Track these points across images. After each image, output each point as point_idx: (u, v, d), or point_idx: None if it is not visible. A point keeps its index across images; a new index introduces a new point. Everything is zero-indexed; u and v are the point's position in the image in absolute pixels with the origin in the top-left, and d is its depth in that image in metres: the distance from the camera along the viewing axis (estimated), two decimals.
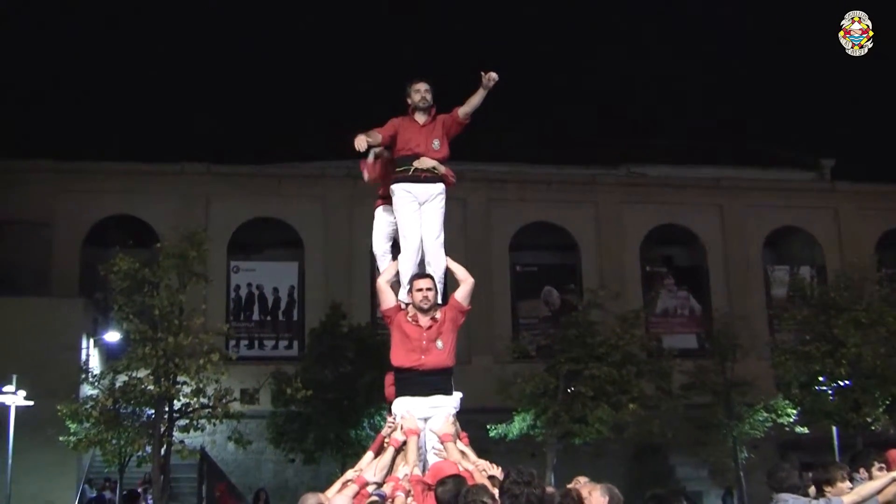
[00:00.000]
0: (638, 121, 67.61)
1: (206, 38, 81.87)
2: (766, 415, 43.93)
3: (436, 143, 12.44)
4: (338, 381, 40.65)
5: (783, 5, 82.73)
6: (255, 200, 53.03)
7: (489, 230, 53.06)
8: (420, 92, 12.49)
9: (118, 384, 35.12)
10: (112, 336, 41.15)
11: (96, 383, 36.24)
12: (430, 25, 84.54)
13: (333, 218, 53.35)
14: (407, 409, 11.57)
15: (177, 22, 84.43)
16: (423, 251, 12.38)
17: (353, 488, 10.59)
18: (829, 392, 41.78)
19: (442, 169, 12.49)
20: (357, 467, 11.34)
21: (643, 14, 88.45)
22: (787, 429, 44.56)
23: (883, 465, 11.65)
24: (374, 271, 43.88)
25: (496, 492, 9.31)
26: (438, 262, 12.31)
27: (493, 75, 12.23)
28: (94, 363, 43.41)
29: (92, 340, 44.91)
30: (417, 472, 10.86)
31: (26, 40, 79.47)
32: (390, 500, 10.10)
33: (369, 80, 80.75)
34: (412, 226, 12.29)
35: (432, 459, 11.31)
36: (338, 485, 10.97)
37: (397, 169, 12.42)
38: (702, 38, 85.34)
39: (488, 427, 40.16)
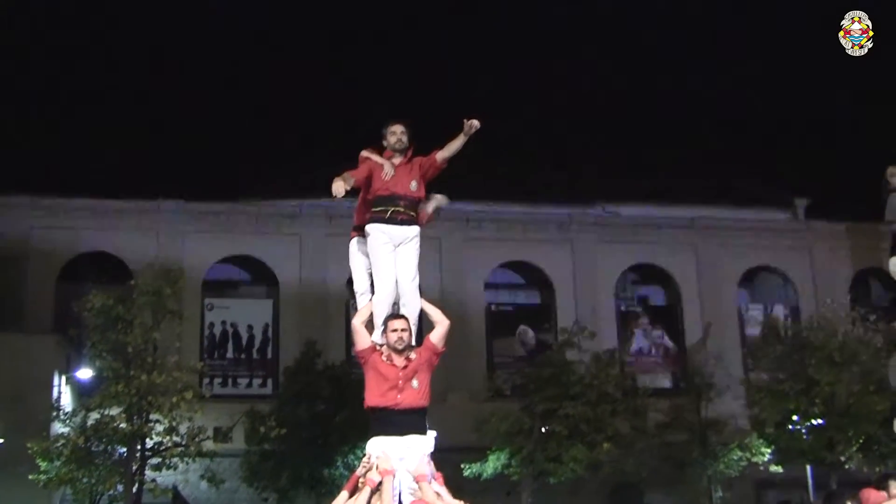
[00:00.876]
0: (613, 160, 67.75)
1: (181, 74, 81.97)
2: (740, 453, 44.07)
3: (413, 185, 12.50)
4: (312, 419, 40.59)
5: (756, 47, 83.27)
6: (230, 238, 52.99)
7: (464, 269, 53.12)
8: (396, 134, 12.56)
9: (90, 422, 34.96)
10: (84, 373, 40.92)
11: (68, 421, 36.08)
12: (407, 62, 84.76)
13: (309, 256, 53.34)
14: (382, 450, 11.57)
15: (153, 57, 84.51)
16: (398, 292, 12.41)
17: None
18: (804, 431, 41.95)
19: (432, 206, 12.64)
20: None
21: (617, 55, 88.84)
22: (762, 467, 44.72)
23: None
24: (349, 310, 43.61)
25: None
26: (413, 304, 12.35)
27: (475, 123, 12.28)
28: (66, 400, 43.18)
29: (64, 377, 44.66)
30: None
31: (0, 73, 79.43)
32: None
33: (346, 121, 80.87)
34: (387, 267, 12.32)
35: (407, 500, 11.31)
36: None
37: (373, 209, 12.45)
38: (682, 77, 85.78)
39: (463, 466, 40.12)
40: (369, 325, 12.22)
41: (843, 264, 58.56)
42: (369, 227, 12.43)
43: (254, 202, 55.26)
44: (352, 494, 11.43)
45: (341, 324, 52.74)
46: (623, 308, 57.93)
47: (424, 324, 12.47)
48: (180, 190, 54.24)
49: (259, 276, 53.99)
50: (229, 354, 52.99)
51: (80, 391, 43.94)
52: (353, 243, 12.99)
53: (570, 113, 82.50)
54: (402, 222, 12.36)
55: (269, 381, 51.96)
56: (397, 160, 12.58)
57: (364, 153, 12.90)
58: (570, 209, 58.42)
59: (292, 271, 53.54)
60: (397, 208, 12.37)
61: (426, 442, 11.78)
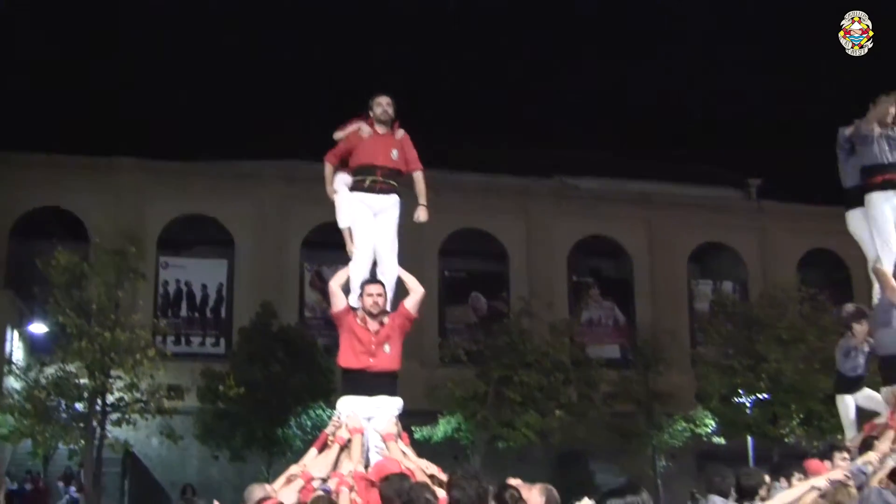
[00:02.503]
0: (572, 133, 68.11)
1: (144, 29, 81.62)
2: (685, 425, 44.68)
3: (394, 154, 12.90)
4: (267, 380, 40.79)
5: (719, 24, 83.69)
6: (187, 197, 52.90)
7: (420, 234, 53.11)
8: (382, 105, 12.94)
9: (44, 377, 35.09)
10: (38, 328, 40.96)
11: (22, 375, 36.18)
12: (370, 34, 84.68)
13: (264, 217, 53.41)
14: (352, 409, 11.96)
15: (116, 10, 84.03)
16: (375, 259, 12.81)
17: (298, 482, 10.91)
18: (748, 404, 42.60)
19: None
20: (301, 463, 11.68)
21: (580, 26, 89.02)
22: (706, 439, 45.32)
23: (802, 476, 12.08)
24: (303, 272, 43.85)
25: (437, 490, 9.70)
26: (391, 271, 12.78)
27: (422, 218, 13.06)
28: (18, 355, 43.21)
29: (17, 332, 44.66)
30: (361, 469, 11.23)
31: None
32: (335, 494, 10.41)
33: (310, 81, 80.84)
34: (366, 234, 12.73)
35: (375, 458, 11.69)
36: (283, 479, 11.30)
37: (354, 178, 12.85)
38: (639, 53, 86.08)
39: (413, 429, 40.50)
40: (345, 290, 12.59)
41: (793, 244, 59.18)
42: (350, 195, 12.84)
43: (211, 162, 55.21)
44: (321, 451, 11.79)
45: (296, 286, 53.08)
46: (575, 279, 58.35)
47: (399, 292, 12.86)
48: (139, 147, 54.17)
49: (215, 236, 53.93)
50: (183, 313, 53.09)
51: (34, 346, 44.01)
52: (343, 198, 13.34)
53: (533, 85, 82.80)
54: (381, 191, 12.79)
55: (223, 341, 52.09)
56: (381, 130, 12.95)
57: (338, 134, 13.32)
58: (526, 179, 58.69)
59: (248, 232, 53.57)
60: (375, 178, 12.77)
61: (395, 403, 12.19)
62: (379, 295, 12.08)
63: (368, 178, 12.76)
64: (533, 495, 10.16)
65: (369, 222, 12.75)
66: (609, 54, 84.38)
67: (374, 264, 12.91)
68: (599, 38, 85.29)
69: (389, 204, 12.88)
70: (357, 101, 13.63)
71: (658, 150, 63.85)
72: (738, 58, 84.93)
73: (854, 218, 14.82)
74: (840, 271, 56.61)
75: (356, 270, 12.67)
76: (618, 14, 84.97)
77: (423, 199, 13.33)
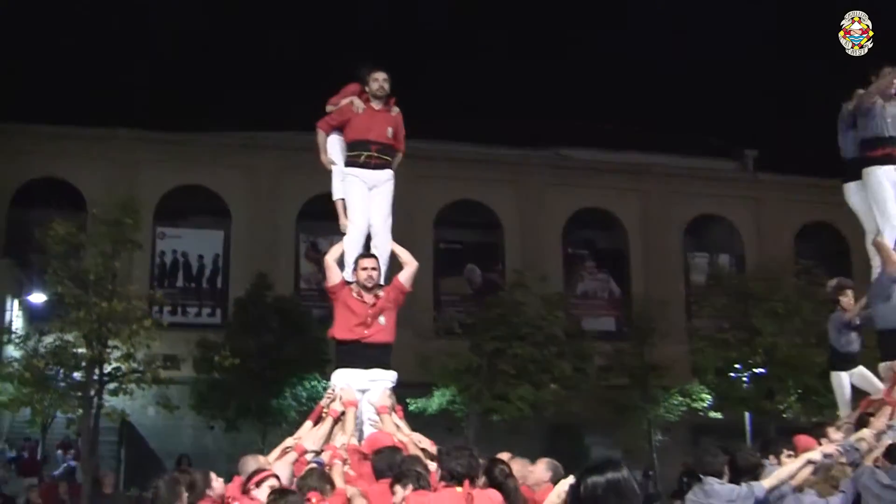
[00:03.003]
0: (567, 103, 68.00)
1: (139, 1, 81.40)
2: (680, 399, 44.77)
3: (389, 132, 13.02)
4: (261, 350, 40.91)
5: None
6: (183, 167, 52.95)
7: (414, 205, 52.93)
8: (378, 81, 13.04)
9: (43, 346, 35.20)
10: (37, 297, 41.07)
11: (21, 344, 36.30)
12: (362, 4, 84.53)
13: (260, 188, 53.48)
14: (346, 381, 12.05)
15: None
16: (369, 232, 12.92)
17: (292, 455, 11.02)
18: (744, 379, 42.67)
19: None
20: (296, 435, 11.79)
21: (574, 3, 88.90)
22: (701, 413, 45.41)
23: (791, 453, 12.12)
24: (299, 243, 43.81)
25: (429, 463, 9.81)
26: (385, 245, 12.91)
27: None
28: (18, 324, 43.34)
29: (16, 301, 44.79)
30: (354, 441, 11.34)
31: None
32: (328, 467, 10.51)
33: (304, 52, 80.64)
34: (361, 209, 12.85)
35: (368, 430, 11.81)
36: (277, 451, 11.41)
37: (349, 153, 12.94)
38: (636, 24, 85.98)
39: (407, 401, 40.56)
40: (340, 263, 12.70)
41: (790, 217, 59.14)
42: (346, 170, 12.92)
43: (208, 132, 55.21)
44: (315, 424, 11.89)
45: (291, 256, 53.14)
46: (570, 251, 58.38)
47: (393, 266, 12.96)
48: (136, 118, 54.21)
49: (211, 206, 53.94)
50: (179, 283, 53.15)
51: (32, 315, 44.12)
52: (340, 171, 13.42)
53: (526, 55, 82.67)
54: (375, 166, 12.91)
55: (219, 312, 52.18)
56: (377, 106, 13.03)
57: (330, 104, 13.40)
58: (520, 150, 58.69)
59: (244, 203, 53.63)
60: (370, 153, 12.86)
61: (389, 376, 12.29)
62: (373, 269, 12.21)
63: (363, 154, 12.89)
64: (539, 469, 10.31)
65: (364, 197, 12.87)
66: (603, 23, 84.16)
67: (369, 238, 13.00)
68: (592, 5, 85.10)
69: (384, 178, 13.02)
70: (351, 70, 13.71)
71: (653, 120, 63.80)
72: (734, 26, 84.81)
73: (852, 191, 14.84)
74: (838, 244, 56.63)
75: (350, 244, 12.80)
76: None
77: None
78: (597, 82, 76.17)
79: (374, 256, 12.48)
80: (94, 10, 78.75)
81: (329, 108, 13.42)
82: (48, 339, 35.13)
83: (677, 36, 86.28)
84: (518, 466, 10.38)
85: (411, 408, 40.19)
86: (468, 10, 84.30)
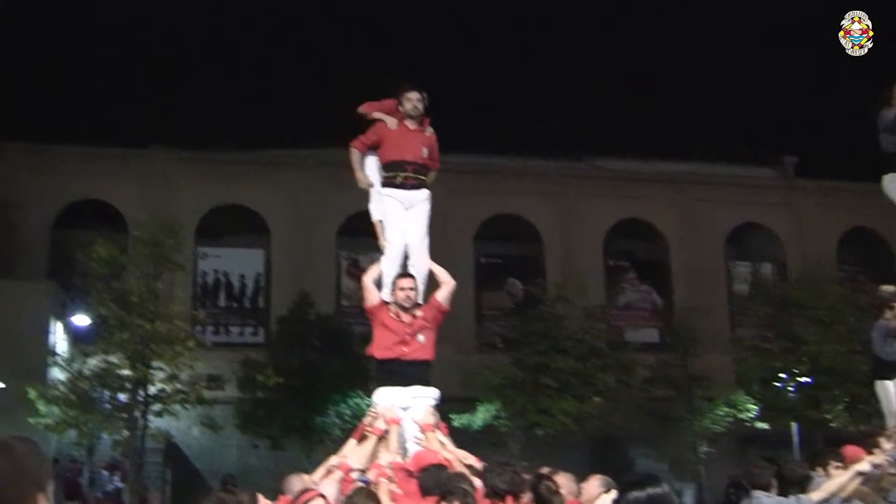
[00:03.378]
0: (604, 114, 67.95)
1: (176, 21, 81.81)
2: (726, 409, 44.48)
3: (424, 152, 13.02)
4: (304, 368, 41.01)
5: (754, 2, 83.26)
6: (222, 186, 53.08)
7: (453, 221, 53.05)
8: (412, 101, 13.02)
9: (87, 368, 35.37)
10: (81, 319, 41.26)
11: (66, 366, 36.48)
12: (400, 17, 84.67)
13: (300, 206, 53.58)
14: (389, 400, 12.04)
15: (146, 4, 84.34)
16: (407, 252, 12.91)
17: (338, 474, 11.00)
18: (790, 388, 42.42)
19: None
20: (340, 454, 11.78)
21: (609, 7, 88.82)
22: (747, 424, 45.12)
23: (839, 464, 12.00)
24: (339, 260, 43.80)
25: (474, 480, 9.78)
26: (422, 264, 12.91)
27: None
28: (62, 346, 43.56)
29: (60, 324, 45.01)
30: (399, 459, 11.31)
31: None
32: (374, 485, 10.50)
33: (339, 69, 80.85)
34: (398, 229, 12.86)
35: (412, 448, 11.77)
36: (322, 470, 11.40)
37: (385, 174, 12.94)
38: (670, 32, 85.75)
39: (451, 417, 40.47)
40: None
41: (831, 223, 58.84)
42: (382, 191, 12.93)
43: (247, 151, 55.39)
44: (359, 442, 11.87)
45: (332, 274, 53.20)
46: (610, 262, 58.27)
47: (430, 284, 12.95)
48: (173, 138, 54.43)
49: (251, 225, 54.13)
50: (221, 303, 53.35)
51: (76, 337, 44.35)
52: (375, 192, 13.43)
53: (561, 66, 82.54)
54: (411, 187, 12.93)
55: (261, 331, 52.31)
56: (411, 125, 13.02)
57: (364, 109, 13.38)
58: (560, 163, 58.65)
59: (284, 221, 53.77)
60: (407, 174, 12.87)
61: (431, 393, 12.27)
62: (411, 289, 12.22)
63: (400, 174, 12.91)
64: (591, 486, 10.28)
65: (401, 217, 12.88)
66: (638, 33, 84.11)
67: (406, 257, 13.00)
68: (628, 16, 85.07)
69: (420, 198, 13.03)
70: (388, 87, 13.70)
71: (691, 129, 63.62)
72: (771, 33, 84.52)
73: (891, 181, 14.71)
74: (881, 249, 56.39)
75: (388, 265, 12.82)
76: None
77: None
78: (633, 90, 76.06)
79: (411, 276, 12.49)
80: (129, 31, 79.25)
81: (364, 109, 13.41)
82: (92, 361, 35.30)
83: (715, 44, 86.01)
84: (564, 481, 10.35)
85: (455, 423, 40.06)
86: (502, 22, 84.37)
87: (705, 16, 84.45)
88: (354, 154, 13.41)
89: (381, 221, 13.23)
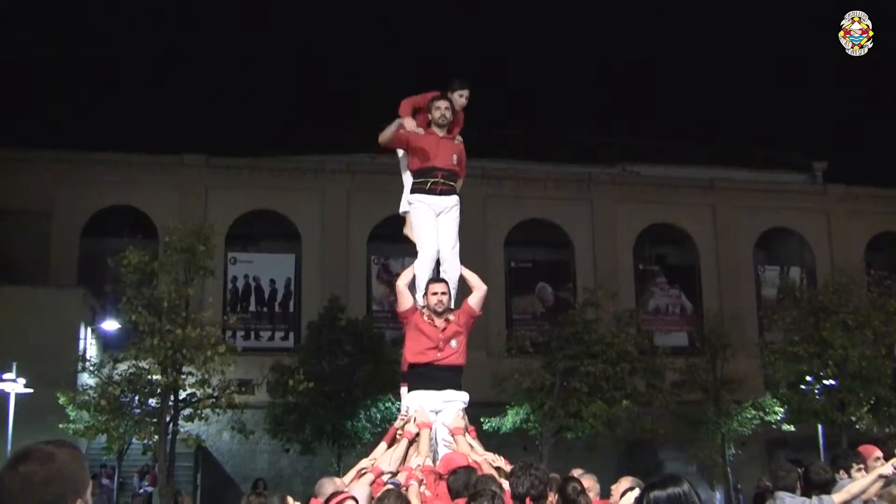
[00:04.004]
0: (634, 120, 68.07)
1: (206, 30, 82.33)
2: (754, 412, 44.51)
3: (454, 159, 13.17)
4: (335, 373, 41.17)
5: (781, 6, 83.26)
6: (252, 192, 53.37)
7: (485, 226, 53.24)
8: (440, 109, 13.15)
9: (117, 374, 35.60)
10: (110, 325, 41.51)
11: (96, 372, 36.71)
12: (428, 23, 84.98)
13: (331, 211, 53.82)
14: (420, 403, 12.18)
15: (178, 13, 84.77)
16: (439, 257, 13.06)
17: (369, 476, 11.13)
18: (816, 391, 42.45)
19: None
20: (371, 457, 11.93)
21: (641, 13, 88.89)
22: (775, 427, 45.16)
23: (861, 467, 12.08)
24: (370, 265, 44.08)
25: (503, 482, 9.92)
26: (453, 269, 13.04)
27: None
28: (91, 352, 43.83)
29: (90, 330, 45.30)
30: (429, 462, 11.45)
31: (25, 30, 79.81)
32: (405, 488, 10.62)
33: (368, 75, 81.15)
34: (429, 235, 12.99)
35: (443, 451, 11.91)
36: (353, 472, 11.55)
37: (415, 181, 13.10)
38: (699, 38, 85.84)
39: (482, 420, 40.59)
40: (412, 287, 12.85)
41: (860, 228, 58.87)
42: (411, 197, 13.10)
43: (277, 157, 55.65)
44: (390, 445, 12.02)
45: (362, 279, 53.37)
46: (641, 267, 58.36)
47: (462, 288, 13.07)
48: (204, 144, 54.75)
49: (281, 230, 54.37)
50: (251, 308, 53.57)
51: (105, 343, 44.66)
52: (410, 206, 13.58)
53: (592, 73, 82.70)
54: (441, 192, 13.06)
55: (291, 335, 52.51)
56: (440, 133, 13.19)
57: (405, 107, 13.52)
58: (590, 168, 58.77)
59: (314, 226, 53.99)
60: (436, 180, 13.04)
61: (461, 397, 12.41)
62: (443, 293, 12.32)
63: (430, 180, 13.04)
64: (621, 486, 10.45)
65: (432, 222, 13.01)
66: (669, 40, 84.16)
67: (438, 263, 13.14)
68: (660, 24, 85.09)
69: (450, 204, 13.15)
70: (420, 90, 13.84)
71: (720, 135, 63.73)
72: (801, 41, 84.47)
73: None
74: None
75: (421, 269, 12.94)
76: (672, 2, 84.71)
77: None
78: (664, 97, 76.14)
79: (444, 281, 12.61)
80: (160, 40, 79.72)
81: (405, 104, 13.56)
82: (122, 367, 35.52)
83: (745, 50, 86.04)
84: (590, 483, 10.49)
85: (485, 427, 40.26)
86: (532, 32, 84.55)
87: (735, 21, 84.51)
88: (404, 116, 13.47)
89: (408, 213, 13.41)
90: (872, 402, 41.31)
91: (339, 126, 59.04)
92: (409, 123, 13.27)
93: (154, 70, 78.85)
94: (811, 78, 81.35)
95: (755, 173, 60.81)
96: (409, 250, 13.68)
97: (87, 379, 38.40)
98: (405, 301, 12.52)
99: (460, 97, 13.51)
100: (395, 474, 11.27)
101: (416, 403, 12.26)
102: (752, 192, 58.76)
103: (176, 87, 76.06)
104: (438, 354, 12.21)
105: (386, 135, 13.35)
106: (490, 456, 11.67)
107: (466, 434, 12.18)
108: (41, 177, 50.80)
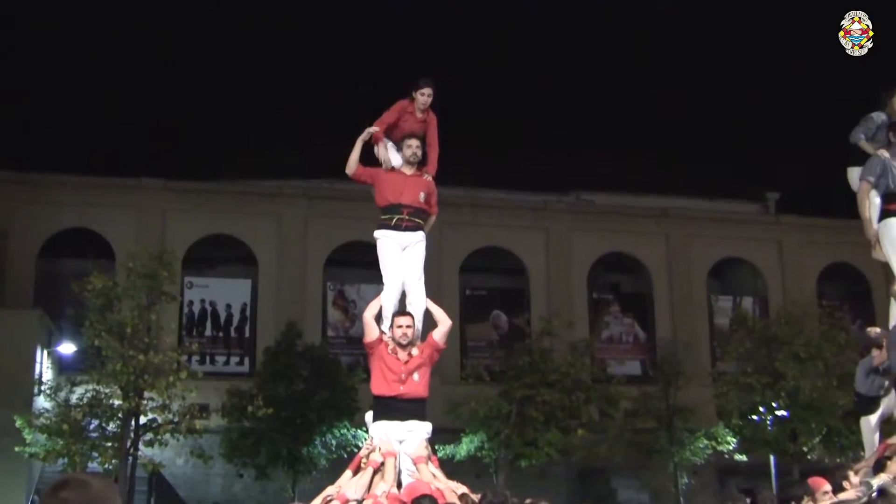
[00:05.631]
0: (588, 148, 68.43)
1: (165, 53, 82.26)
2: (706, 442, 44.93)
3: (421, 196, 13.50)
4: (291, 398, 41.31)
5: (737, 37, 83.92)
6: (210, 217, 53.32)
7: (440, 252, 53.15)
8: (412, 148, 13.54)
9: (75, 397, 35.66)
10: (67, 348, 41.48)
11: (53, 395, 36.72)
12: (389, 51, 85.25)
13: (287, 236, 53.82)
14: (385, 433, 12.45)
15: (138, 37, 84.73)
16: (404, 290, 13.37)
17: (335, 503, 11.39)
18: (768, 421, 42.88)
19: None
20: (337, 484, 12.17)
21: (597, 43, 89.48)
22: (727, 456, 45.58)
23: (810, 499, 12.40)
24: (326, 291, 44.01)
25: None
26: (419, 302, 13.37)
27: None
28: (47, 375, 43.75)
29: (46, 352, 45.19)
30: (394, 490, 11.71)
31: None
32: None
33: (327, 101, 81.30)
34: (394, 268, 13.34)
35: (406, 480, 12.19)
36: (319, 500, 11.78)
37: (382, 216, 13.44)
38: (656, 69, 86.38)
39: (436, 447, 40.67)
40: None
41: (812, 258, 59.31)
42: (378, 233, 13.43)
43: (235, 181, 55.68)
44: (355, 473, 12.27)
45: (318, 304, 53.38)
46: (595, 295, 58.61)
47: (427, 320, 13.37)
48: (162, 168, 54.71)
49: (238, 254, 54.31)
50: (207, 332, 53.39)
51: (62, 366, 44.58)
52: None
53: (547, 101, 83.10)
54: (406, 228, 13.41)
55: (247, 360, 52.48)
56: (408, 171, 13.52)
57: (377, 125, 13.86)
58: (545, 196, 59.05)
59: (271, 251, 53.95)
60: (402, 216, 13.36)
61: (424, 427, 12.71)
62: (408, 326, 12.66)
63: (395, 216, 13.38)
64: None
65: (398, 257, 13.36)
66: (625, 68, 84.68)
67: (404, 295, 13.44)
68: (615, 51, 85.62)
69: (416, 240, 13.51)
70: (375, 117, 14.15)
71: (674, 164, 64.12)
72: (755, 71, 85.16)
73: (853, 172, 15.31)
74: (860, 284, 56.89)
75: (386, 302, 13.24)
76: (639, 26, 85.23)
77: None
78: (619, 125, 76.57)
79: (409, 314, 12.96)
80: (120, 61, 79.62)
81: (373, 128, 13.90)
82: (79, 391, 35.58)
83: (698, 79, 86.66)
84: None
85: (440, 454, 40.32)
86: (487, 59, 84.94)
87: (690, 51, 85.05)
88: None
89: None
90: (824, 432, 41.80)
91: (297, 152, 59.20)
92: (365, 135, 13.65)
93: (113, 92, 78.75)
94: (765, 108, 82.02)
95: (708, 202, 61.20)
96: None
97: (42, 402, 38.37)
98: (371, 332, 12.83)
99: (422, 95, 13.90)
100: (360, 502, 11.52)
101: (381, 433, 12.55)
102: (705, 221, 59.16)
103: (134, 109, 75.98)
104: (402, 388, 12.54)
105: (351, 165, 13.71)
106: (452, 484, 11.95)
107: (429, 462, 12.46)
108: (0, 197, 50.60)
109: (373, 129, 13.68)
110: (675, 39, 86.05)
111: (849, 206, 15.80)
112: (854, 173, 15.21)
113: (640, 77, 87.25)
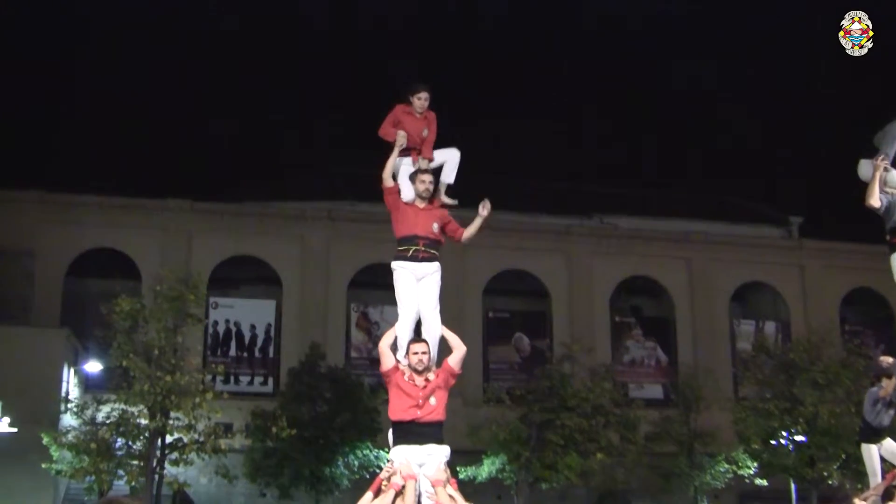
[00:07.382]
0: (611, 172, 68.70)
1: (193, 75, 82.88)
2: (726, 466, 44.98)
3: (435, 227, 13.88)
4: (314, 419, 41.61)
5: (759, 63, 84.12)
6: (235, 238, 53.77)
7: (464, 274, 53.44)
8: (424, 183, 13.83)
9: (101, 415, 36.04)
10: (93, 367, 41.86)
11: (79, 413, 37.09)
12: (404, 74, 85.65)
13: (311, 258, 54.17)
14: (405, 456, 12.76)
15: (165, 59, 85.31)
16: (419, 318, 13.70)
17: None
18: (788, 447, 42.92)
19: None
20: None
21: (617, 68, 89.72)
22: (747, 480, 45.61)
23: None
24: (349, 311, 44.34)
25: None
26: (434, 330, 13.66)
27: (488, 204, 13.84)
28: (73, 393, 44.13)
29: (72, 370, 45.59)
30: None
31: (11, 70, 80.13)
32: None
33: (352, 123, 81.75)
34: (410, 298, 13.66)
35: (426, 502, 12.48)
36: None
37: (398, 248, 13.79)
38: (678, 92, 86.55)
39: (457, 468, 40.89)
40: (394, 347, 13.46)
41: (835, 283, 59.32)
42: (394, 264, 13.77)
43: (259, 203, 56.04)
44: (376, 495, 12.56)
45: (342, 325, 53.65)
46: (617, 318, 58.71)
47: (443, 348, 13.68)
48: (187, 189, 55.18)
49: (263, 276, 54.73)
50: (232, 353, 53.70)
51: (87, 384, 44.98)
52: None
53: (571, 124, 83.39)
54: (422, 259, 13.75)
55: (270, 380, 52.78)
56: (421, 205, 13.87)
57: (387, 132, 14.23)
58: (568, 219, 59.25)
59: (295, 272, 54.32)
60: (418, 248, 13.72)
61: (443, 451, 13.01)
62: (424, 353, 12.97)
63: (412, 248, 13.72)
64: None
65: (412, 288, 13.68)
66: (646, 92, 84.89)
67: (419, 323, 13.76)
68: (637, 75, 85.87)
69: (431, 270, 13.82)
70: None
71: (698, 188, 64.31)
72: (780, 96, 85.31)
73: (864, 165, 15.35)
74: (883, 309, 57.00)
75: (402, 331, 13.56)
76: (664, 52, 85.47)
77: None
78: (643, 150, 76.82)
79: (424, 341, 13.26)
80: (147, 85, 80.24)
81: (385, 132, 14.28)
82: (105, 409, 35.95)
83: (723, 104, 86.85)
84: None
85: (461, 475, 40.60)
86: (507, 82, 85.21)
87: (713, 76, 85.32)
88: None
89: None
90: (843, 458, 41.81)
91: (322, 174, 59.51)
92: (401, 139, 14.00)
93: (141, 113, 79.35)
94: (789, 132, 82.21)
95: (731, 226, 61.31)
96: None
97: (69, 419, 38.72)
98: (387, 361, 13.12)
99: (419, 100, 14.24)
100: None
101: (401, 456, 12.86)
102: (727, 246, 59.27)
103: (162, 131, 76.57)
104: (419, 413, 12.83)
105: (387, 179, 14.08)
106: None
107: (448, 485, 12.74)
108: (26, 217, 51.04)
109: (402, 138, 14.03)
110: (696, 65, 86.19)
111: (872, 230, 15.88)
112: (865, 165, 15.26)
113: (664, 103, 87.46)
